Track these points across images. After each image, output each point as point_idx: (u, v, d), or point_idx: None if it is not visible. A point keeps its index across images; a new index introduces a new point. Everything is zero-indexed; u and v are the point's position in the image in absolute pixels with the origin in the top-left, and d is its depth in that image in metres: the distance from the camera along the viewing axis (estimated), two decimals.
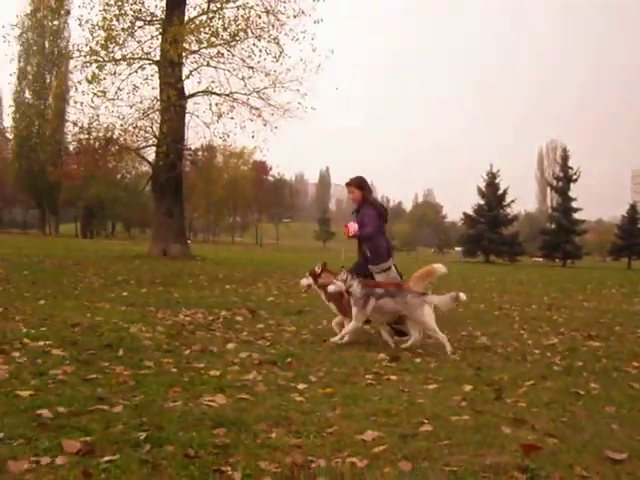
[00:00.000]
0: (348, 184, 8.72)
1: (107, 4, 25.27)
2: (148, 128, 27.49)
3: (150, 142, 27.77)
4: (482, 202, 75.05)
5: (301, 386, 5.20)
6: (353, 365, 6.20)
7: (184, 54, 25.45)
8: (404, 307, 7.35)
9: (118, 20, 25.46)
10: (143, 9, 26.32)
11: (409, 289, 7.63)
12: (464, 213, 79.45)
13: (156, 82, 26.88)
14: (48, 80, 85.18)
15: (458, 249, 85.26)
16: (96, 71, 25.30)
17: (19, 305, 9.21)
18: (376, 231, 8.29)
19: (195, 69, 27.10)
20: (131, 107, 26.89)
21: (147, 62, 26.95)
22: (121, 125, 27.01)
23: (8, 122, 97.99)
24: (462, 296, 7.24)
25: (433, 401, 4.92)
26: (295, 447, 3.68)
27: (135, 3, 25.83)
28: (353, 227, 8.25)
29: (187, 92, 27.28)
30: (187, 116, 27.55)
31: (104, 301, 10.25)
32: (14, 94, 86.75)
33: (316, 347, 7.21)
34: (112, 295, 11.19)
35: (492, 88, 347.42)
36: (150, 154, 29.83)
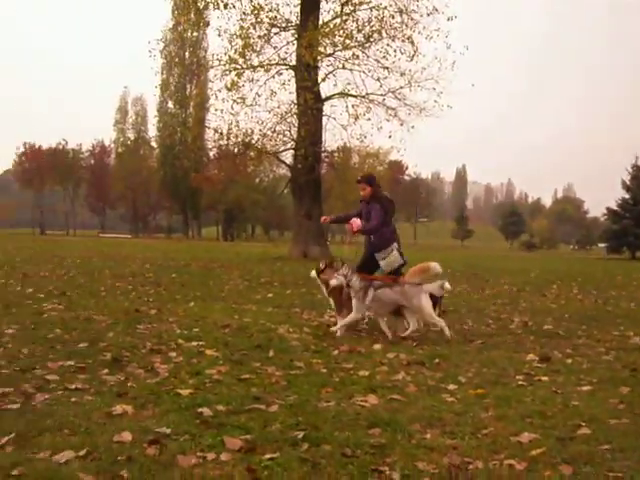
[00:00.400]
0: (359, 181, 9.32)
1: (244, 13, 25.90)
2: (286, 132, 27.97)
3: (288, 146, 28.24)
4: (627, 196, 71.63)
5: (451, 387, 5.16)
6: (502, 366, 6.09)
7: (319, 58, 25.73)
8: (402, 296, 7.73)
9: (255, 28, 26.01)
10: (278, 16, 26.78)
11: (405, 281, 8.16)
12: (607, 208, 76.15)
13: (293, 87, 27.32)
14: (188, 90, 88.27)
15: (602, 245, 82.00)
16: (235, 78, 25.97)
17: (171, 307, 9.60)
18: (380, 224, 8.84)
19: (330, 72, 27.32)
20: (269, 112, 27.46)
21: (284, 67, 27.43)
22: (260, 130, 27.64)
23: (152, 132, 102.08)
24: (447, 285, 7.88)
25: (589, 403, 4.76)
26: (451, 448, 3.66)
27: (271, 11, 26.33)
28: (357, 223, 8.92)
29: (323, 95, 27.55)
30: (324, 119, 27.80)
31: (250, 303, 10.52)
32: (158, 105, 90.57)
33: (463, 347, 7.12)
34: (258, 297, 11.45)
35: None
36: (288, 157, 30.37)
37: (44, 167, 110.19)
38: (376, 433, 3.86)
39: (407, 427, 3.99)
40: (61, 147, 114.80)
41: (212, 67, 27.53)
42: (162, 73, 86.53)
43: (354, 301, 7.83)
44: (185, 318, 8.54)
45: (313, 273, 8.94)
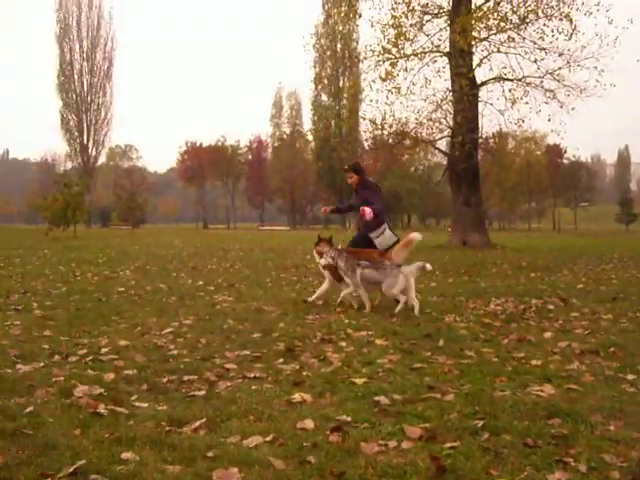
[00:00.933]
0: (346, 170, 10.33)
1: (395, 2, 25.91)
2: (442, 120, 27.78)
3: (445, 133, 28.06)
4: None
5: (630, 377, 4.96)
6: None
7: (473, 43, 25.34)
8: (383, 276, 8.47)
9: (407, 17, 25.97)
10: (430, 3, 26.63)
11: (390, 258, 9.14)
12: None
13: (447, 74, 27.10)
14: (341, 82, 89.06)
15: None
16: (389, 68, 26.06)
17: (336, 297, 9.73)
18: (382, 205, 9.80)
19: (485, 57, 26.85)
20: (424, 100, 27.34)
21: (437, 54, 27.23)
22: (416, 119, 27.59)
23: (307, 125, 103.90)
24: (428, 266, 8.55)
25: None
26: (638, 441, 3.54)
27: None
28: (368, 212, 9.42)
29: (479, 80, 27.12)
30: (480, 104, 27.37)
31: (417, 292, 10.52)
32: (312, 98, 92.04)
33: (638, 336, 6.84)
34: (421, 286, 11.39)
35: None
36: (444, 145, 30.14)
37: (205, 164, 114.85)
38: (556, 423, 3.79)
39: (588, 418, 3.88)
40: (220, 144, 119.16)
41: (365, 58, 27.67)
42: (315, 66, 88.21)
43: (346, 279, 8.79)
44: (351, 308, 8.70)
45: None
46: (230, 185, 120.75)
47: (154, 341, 6.38)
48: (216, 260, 18.15)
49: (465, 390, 4.51)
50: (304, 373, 5.07)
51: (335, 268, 9.02)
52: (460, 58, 25.37)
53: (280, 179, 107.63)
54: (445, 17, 26.82)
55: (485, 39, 25.80)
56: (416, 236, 9.50)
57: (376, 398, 4.27)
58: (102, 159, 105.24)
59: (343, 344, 6.24)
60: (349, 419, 3.85)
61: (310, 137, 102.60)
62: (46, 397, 4.36)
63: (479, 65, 26.91)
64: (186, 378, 4.87)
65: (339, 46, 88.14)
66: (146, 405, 4.20)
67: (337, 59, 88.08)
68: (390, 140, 29.96)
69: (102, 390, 4.51)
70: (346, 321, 7.58)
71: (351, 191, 10.49)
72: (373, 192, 9.91)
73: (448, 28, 26.38)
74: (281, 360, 5.53)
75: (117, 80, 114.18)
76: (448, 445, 3.42)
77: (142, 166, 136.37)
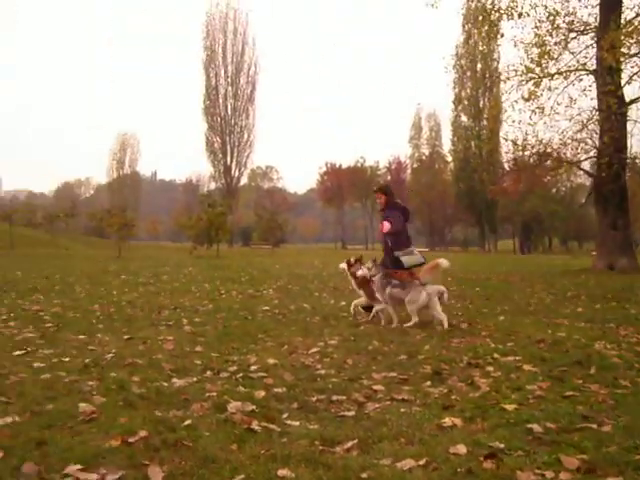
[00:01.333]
0: (375, 191, 11.17)
1: (539, 21, 25.36)
2: (587, 140, 26.89)
3: (591, 154, 27.12)
4: None
5: None
6: None
7: (622, 59, 24.41)
8: (406, 294, 9.23)
9: (551, 35, 25.38)
10: (576, 20, 25.89)
11: (418, 278, 9.38)
12: None
13: (594, 92, 26.20)
14: (481, 102, 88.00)
15: None
16: (532, 88, 25.48)
17: (480, 321, 9.64)
18: (400, 227, 10.38)
19: (635, 73, 25.73)
20: (569, 120, 26.56)
21: (583, 73, 26.41)
22: (559, 139, 26.82)
23: (446, 146, 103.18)
24: (445, 295, 9.27)
25: None
26: None
27: (567, 15, 25.54)
28: (386, 225, 10.26)
29: (627, 98, 26.09)
30: (629, 124, 26.32)
31: (560, 317, 10.21)
32: (451, 119, 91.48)
33: None
34: (567, 311, 11.10)
35: None
36: (588, 165, 29.16)
37: (344, 185, 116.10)
38: None
39: None
40: (360, 165, 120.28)
41: (508, 78, 27.18)
42: (455, 87, 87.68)
43: (377, 294, 9.63)
44: (496, 332, 8.53)
45: (341, 265, 10.54)
46: (369, 206, 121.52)
47: (301, 360, 6.52)
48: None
49: (622, 422, 4.33)
50: (452, 397, 5.04)
51: (367, 283, 9.87)
52: (608, 76, 24.47)
53: (419, 200, 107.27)
54: (592, 34, 26.01)
55: (635, 55, 24.80)
56: (443, 262, 9.50)
57: (528, 426, 4.18)
58: (244, 180, 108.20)
59: (490, 369, 6.14)
60: (502, 446, 3.79)
61: (449, 158, 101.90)
62: (201, 411, 4.54)
63: (628, 82, 25.79)
64: (335, 398, 4.95)
65: (479, 66, 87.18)
66: (297, 423, 4.30)
67: (477, 79, 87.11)
68: (532, 161, 29.28)
69: (254, 407, 4.65)
70: (492, 345, 7.44)
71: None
72: (397, 214, 10.47)
73: (595, 45, 25.58)
74: (428, 383, 5.52)
75: (259, 103, 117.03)
76: (609, 479, 3.30)
77: (282, 187, 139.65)
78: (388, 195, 10.69)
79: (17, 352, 6.85)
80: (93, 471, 3.41)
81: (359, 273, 9.91)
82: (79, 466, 3.46)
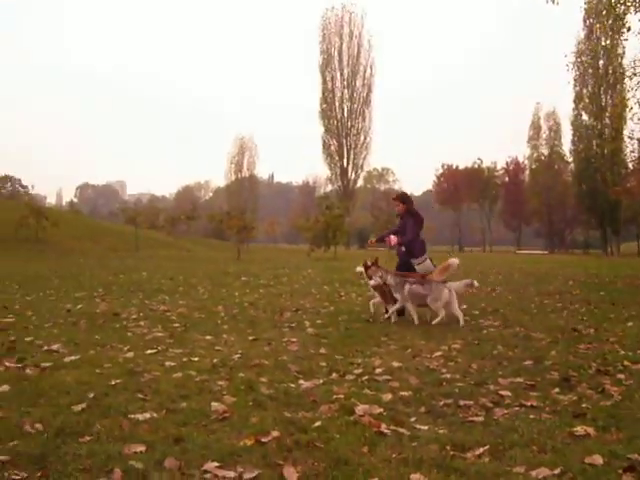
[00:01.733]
0: (394, 199, 11.51)
1: None
2: None
3: None
4: None
5: None
6: None
7: None
8: (429, 291, 9.62)
9: None
10: None
11: (433, 279, 9.76)
12: None
13: None
14: (604, 100, 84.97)
15: None
16: None
17: (607, 326, 9.34)
18: (413, 237, 10.65)
19: None
20: None
21: None
22: None
23: (566, 146, 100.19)
24: (475, 283, 10.22)
25: None
26: None
27: None
28: (393, 239, 10.70)
29: None
30: None
31: None
32: (572, 118, 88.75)
33: None
34: None
35: None
36: None
37: (461, 186, 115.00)
38: None
39: None
40: (476, 166, 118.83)
41: (635, 74, 26.23)
42: (576, 85, 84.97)
43: (396, 295, 9.93)
44: (625, 338, 8.24)
45: (359, 268, 10.74)
46: (486, 207, 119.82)
47: (426, 364, 6.52)
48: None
49: None
50: (583, 405, 4.91)
51: (382, 288, 10.19)
52: None
53: (538, 201, 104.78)
54: None
55: None
56: (454, 261, 9.95)
57: None
58: (360, 182, 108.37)
59: (621, 376, 5.95)
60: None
61: (570, 158, 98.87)
62: (329, 413, 4.60)
63: None
64: (462, 403, 4.93)
65: (601, 62, 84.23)
66: (426, 427, 4.30)
67: (599, 76, 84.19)
68: None
69: (381, 410, 4.69)
70: (622, 352, 7.20)
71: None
72: (413, 222, 10.76)
73: None
74: (557, 390, 5.40)
75: (375, 105, 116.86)
76: None
77: (399, 188, 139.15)
78: (406, 203, 11.04)
79: (149, 351, 7.13)
80: (230, 469, 3.52)
81: (371, 283, 10.30)
82: (216, 463, 3.58)
